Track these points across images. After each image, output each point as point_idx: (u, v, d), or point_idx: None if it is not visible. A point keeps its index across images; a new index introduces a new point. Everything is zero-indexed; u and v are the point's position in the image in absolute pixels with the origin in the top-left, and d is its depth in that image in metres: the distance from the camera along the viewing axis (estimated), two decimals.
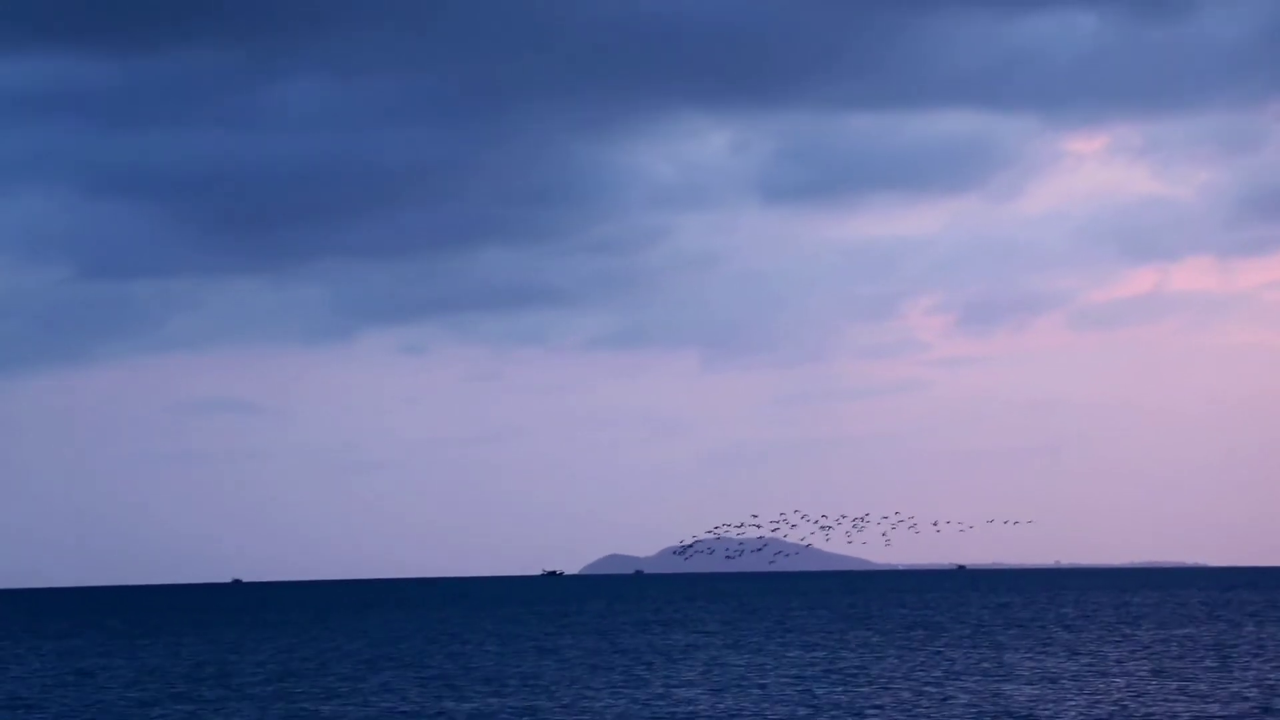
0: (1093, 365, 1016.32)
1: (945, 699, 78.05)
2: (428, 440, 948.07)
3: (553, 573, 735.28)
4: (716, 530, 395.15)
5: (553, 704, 79.18)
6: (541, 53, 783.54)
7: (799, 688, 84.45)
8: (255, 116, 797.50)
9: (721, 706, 76.85)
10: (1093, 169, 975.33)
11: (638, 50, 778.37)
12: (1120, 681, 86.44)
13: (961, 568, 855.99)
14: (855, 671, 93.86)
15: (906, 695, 79.11)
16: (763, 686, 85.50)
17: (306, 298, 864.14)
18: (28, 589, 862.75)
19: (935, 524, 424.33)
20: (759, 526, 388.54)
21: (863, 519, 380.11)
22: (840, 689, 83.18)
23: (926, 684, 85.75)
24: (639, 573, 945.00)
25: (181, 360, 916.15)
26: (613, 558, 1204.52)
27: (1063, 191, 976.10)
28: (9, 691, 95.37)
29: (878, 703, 76.54)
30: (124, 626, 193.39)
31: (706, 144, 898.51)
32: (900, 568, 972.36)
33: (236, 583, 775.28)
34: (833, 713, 73.27)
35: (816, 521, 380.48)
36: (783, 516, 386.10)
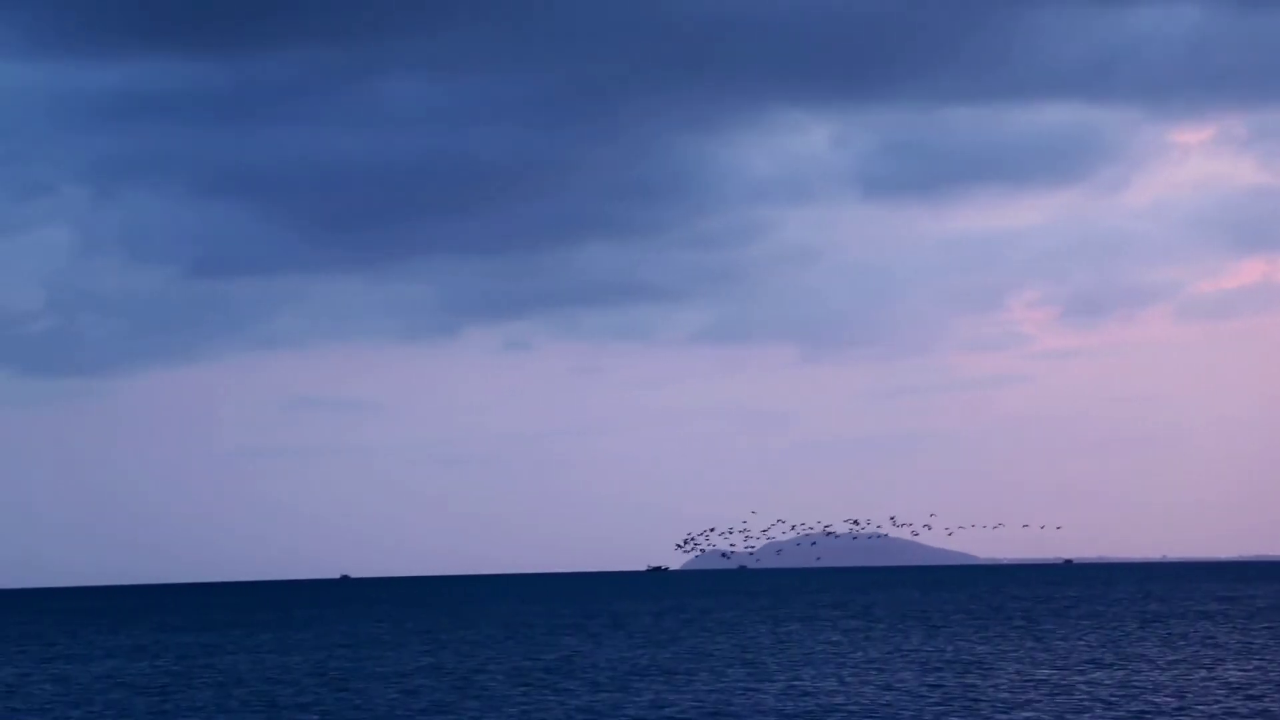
0: (1200, 357, 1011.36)
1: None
2: (530, 435, 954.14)
3: (658, 568, 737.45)
4: (713, 531, 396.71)
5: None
6: (644, 49, 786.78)
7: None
8: (360, 115, 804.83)
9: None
10: (1199, 160, 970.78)
11: (739, 45, 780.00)
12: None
13: (1069, 561, 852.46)
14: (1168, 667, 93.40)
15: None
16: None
17: (410, 294, 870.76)
18: (141, 585, 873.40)
19: (1027, 526, 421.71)
20: (743, 530, 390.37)
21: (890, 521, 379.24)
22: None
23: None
24: (742, 568, 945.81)
25: (286, 357, 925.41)
26: (713, 553, 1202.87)
27: (1168, 183, 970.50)
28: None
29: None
30: (274, 619, 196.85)
31: (807, 139, 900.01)
32: (1004, 562, 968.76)
33: (344, 578, 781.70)
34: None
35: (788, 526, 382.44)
36: (779, 521, 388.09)
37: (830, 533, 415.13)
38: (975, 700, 75.03)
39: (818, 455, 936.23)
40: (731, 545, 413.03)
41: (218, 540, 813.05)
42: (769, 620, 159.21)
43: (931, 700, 75.63)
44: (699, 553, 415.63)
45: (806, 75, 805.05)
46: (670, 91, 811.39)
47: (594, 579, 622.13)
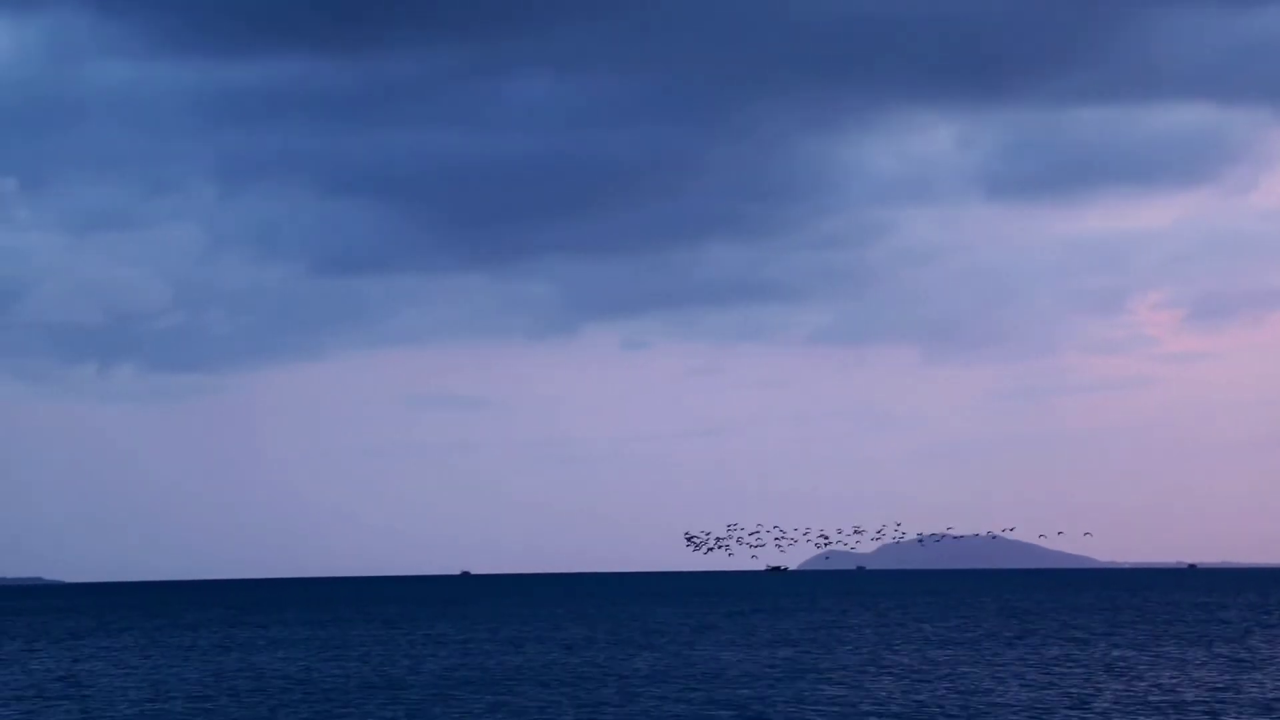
0: None
1: None
2: (648, 435, 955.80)
3: (777, 568, 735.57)
4: (732, 528, 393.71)
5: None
6: (768, 48, 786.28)
7: None
8: (486, 114, 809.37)
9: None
10: None
11: (864, 45, 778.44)
12: None
13: (1192, 566, 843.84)
14: None
15: None
16: None
17: (531, 293, 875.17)
18: (262, 579, 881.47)
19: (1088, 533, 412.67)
20: (738, 530, 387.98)
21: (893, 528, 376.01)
22: None
23: None
24: (860, 569, 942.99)
25: (408, 354, 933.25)
26: (831, 553, 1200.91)
27: None
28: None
29: None
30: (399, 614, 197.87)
31: (932, 138, 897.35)
32: (1125, 566, 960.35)
33: (465, 575, 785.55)
34: None
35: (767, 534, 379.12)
36: (759, 526, 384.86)
37: (949, 535, 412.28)
38: None
39: (937, 457, 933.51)
40: (852, 545, 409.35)
41: (339, 535, 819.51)
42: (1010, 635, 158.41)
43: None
44: (820, 548, 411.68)
45: (933, 75, 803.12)
46: (794, 91, 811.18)
47: (715, 578, 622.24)
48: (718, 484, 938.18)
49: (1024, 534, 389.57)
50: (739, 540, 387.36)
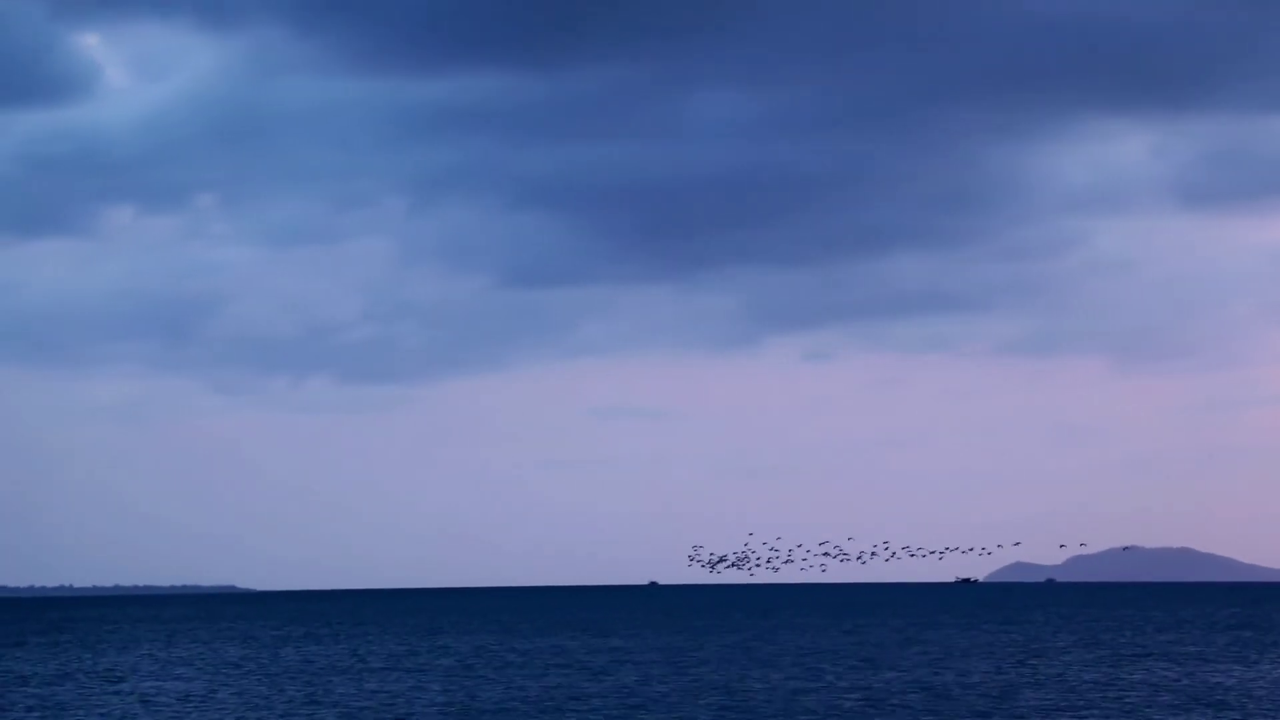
0: None
1: None
2: (832, 446, 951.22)
3: (967, 580, 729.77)
4: (749, 543, 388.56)
5: None
6: (956, 58, 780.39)
7: None
8: (671, 127, 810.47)
9: None
10: None
11: (1054, 53, 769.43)
12: None
13: None
14: None
15: None
16: None
17: (713, 305, 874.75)
18: (449, 588, 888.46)
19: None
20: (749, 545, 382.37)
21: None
22: None
23: None
24: (1050, 581, 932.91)
25: (593, 366, 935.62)
26: (1018, 565, 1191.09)
27: None
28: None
29: None
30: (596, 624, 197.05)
31: (1124, 147, 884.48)
32: None
33: (653, 585, 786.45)
34: None
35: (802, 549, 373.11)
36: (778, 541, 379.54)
37: (1137, 547, 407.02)
38: None
39: (1127, 469, 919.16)
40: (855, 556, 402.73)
41: (525, 545, 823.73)
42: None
43: None
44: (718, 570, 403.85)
45: (1125, 83, 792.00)
46: (984, 100, 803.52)
47: (902, 590, 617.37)
48: (903, 495, 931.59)
49: (1217, 546, 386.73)
50: (757, 558, 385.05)
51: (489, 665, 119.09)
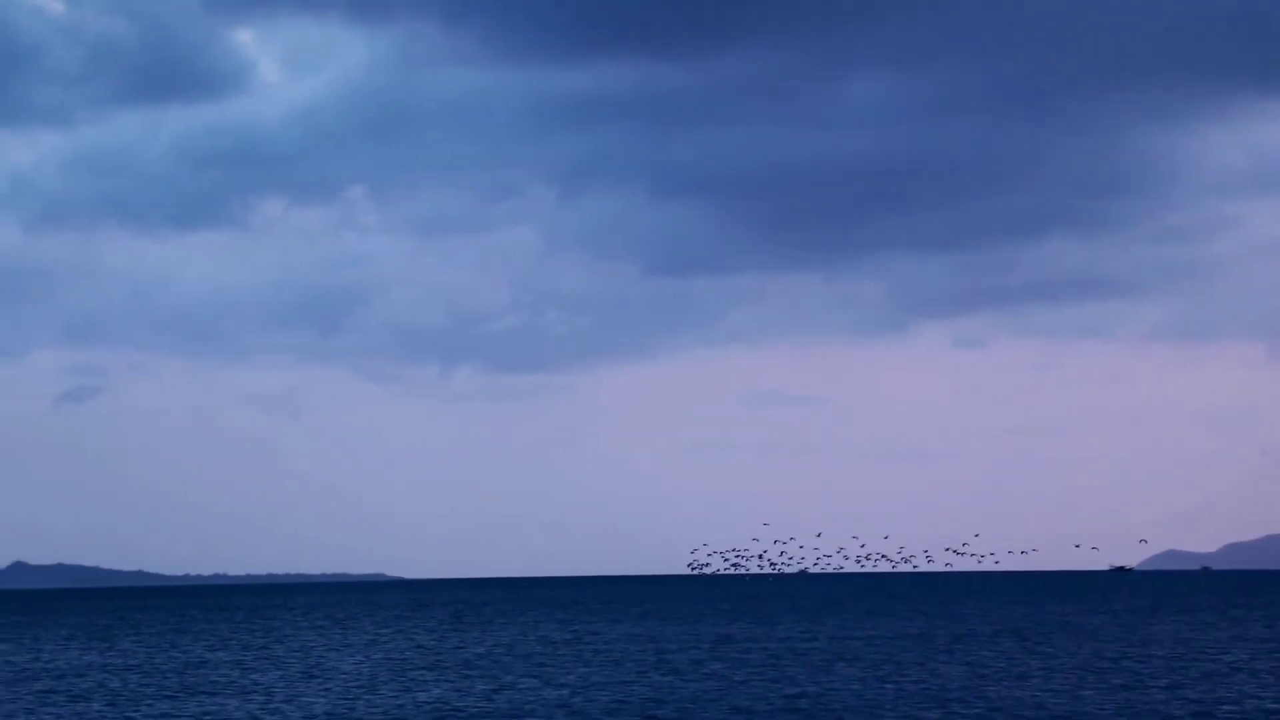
0: None
1: None
2: (985, 431, 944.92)
3: (1120, 568, 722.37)
4: (734, 551, 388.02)
5: None
6: (1107, 40, 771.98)
7: None
8: (818, 113, 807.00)
9: None
10: None
11: (1210, 35, 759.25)
12: None
13: None
14: None
15: None
16: None
17: (862, 292, 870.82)
18: (598, 576, 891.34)
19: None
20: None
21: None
22: None
23: None
24: (1205, 569, 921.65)
25: (739, 353, 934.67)
26: (1171, 553, 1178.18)
27: None
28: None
29: None
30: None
31: (1278, 128, 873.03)
32: None
33: (803, 574, 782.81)
34: None
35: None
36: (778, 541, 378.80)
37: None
38: None
39: None
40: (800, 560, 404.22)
41: (669, 532, 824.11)
42: None
43: None
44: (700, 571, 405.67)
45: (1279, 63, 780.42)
46: (1135, 82, 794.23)
47: (1052, 578, 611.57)
48: (1057, 482, 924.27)
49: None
50: (735, 560, 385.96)
51: (749, 656, 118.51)
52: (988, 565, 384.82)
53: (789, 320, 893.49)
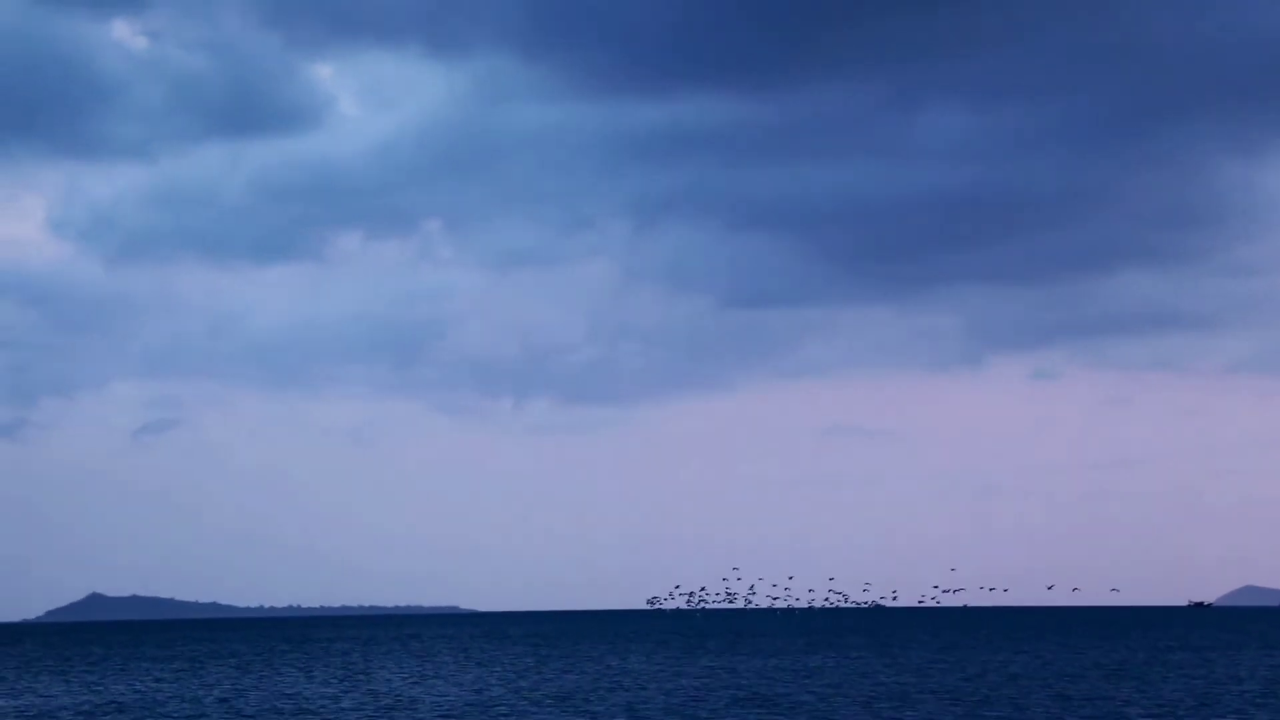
0: None
1: None
2: (1059, 466, 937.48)
3: (1199, 604, 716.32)
4: (696, 591, 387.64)
5: None
6: (1183, 72, 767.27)
7: None
8: (897, 147, 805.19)
9: None
10: None
11: None
12: None
13: None
14: None
15: None
16: None
17: (937, 324, 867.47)
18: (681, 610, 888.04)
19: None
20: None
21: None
22: None
23: None
24: None
25: (815, 386, 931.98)
26: (1249, 589, 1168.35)
27: None
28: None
29: None
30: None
31: None
32: None
33: (876, 607, 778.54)
34: None
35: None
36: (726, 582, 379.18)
37: None
38: None
39: None
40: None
41: (748, 566, 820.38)
42: None
43: None
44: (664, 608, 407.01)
45: None
46: (1211, 115, 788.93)
47: (1133, 613, 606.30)
48: (1133, 516, 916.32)
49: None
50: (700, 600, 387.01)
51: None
52: (1073, 600, 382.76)
53: (864, 353, 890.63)
